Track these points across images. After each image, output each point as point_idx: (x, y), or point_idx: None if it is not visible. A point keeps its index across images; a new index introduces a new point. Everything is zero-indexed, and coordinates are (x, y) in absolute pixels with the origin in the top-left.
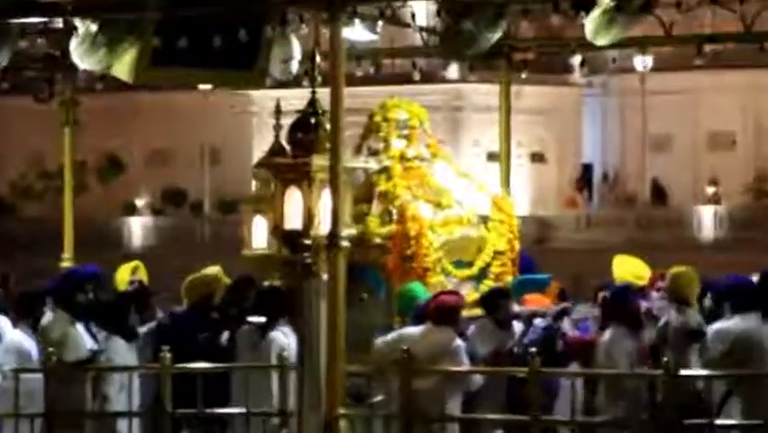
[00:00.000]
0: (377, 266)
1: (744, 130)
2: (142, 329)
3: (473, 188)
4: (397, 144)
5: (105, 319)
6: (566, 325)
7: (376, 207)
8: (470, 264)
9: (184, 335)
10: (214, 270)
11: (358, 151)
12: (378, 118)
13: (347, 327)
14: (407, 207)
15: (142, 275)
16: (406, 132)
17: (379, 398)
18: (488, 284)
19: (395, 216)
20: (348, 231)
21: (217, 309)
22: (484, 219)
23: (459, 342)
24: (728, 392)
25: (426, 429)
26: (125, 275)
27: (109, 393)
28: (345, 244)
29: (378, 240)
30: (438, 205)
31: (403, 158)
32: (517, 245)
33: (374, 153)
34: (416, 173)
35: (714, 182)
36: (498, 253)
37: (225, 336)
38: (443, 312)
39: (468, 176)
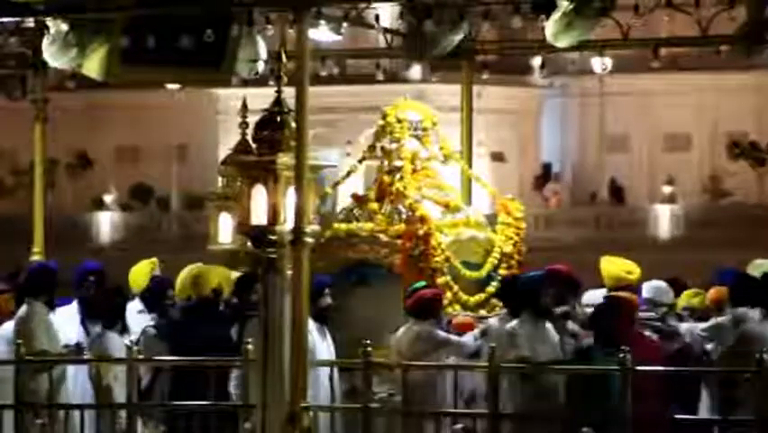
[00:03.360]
0: (389, 264)
1: (699, 131)
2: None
3: (483, 190)
4: (410, 145)
5: (98, 313)
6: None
7: (386, 206)
8: (478, 266)
9: (194, 328)
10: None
11: (371, 150)
12: (391, 119)
13: (358, 324)
14: (417, 207)
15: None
16: (418, 133)
17: (382, 393)
18: (495, 286)
19: (404, 216)
20: (312, 228)
21: (226, 303)
22: (492, 221)
23: (430, 328)
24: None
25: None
26: (145, 271)
27: (111, 383)
28: (309, 240)
29: (387, 239)
30: (447, 206)
31: (415, 159)
32: (524, 248)
33: (387, 153)
34: (427, 174)
35: (670, 182)
36: (505, 256)
37: (234, 329)
38: (422, 306)
39: (478, 179)
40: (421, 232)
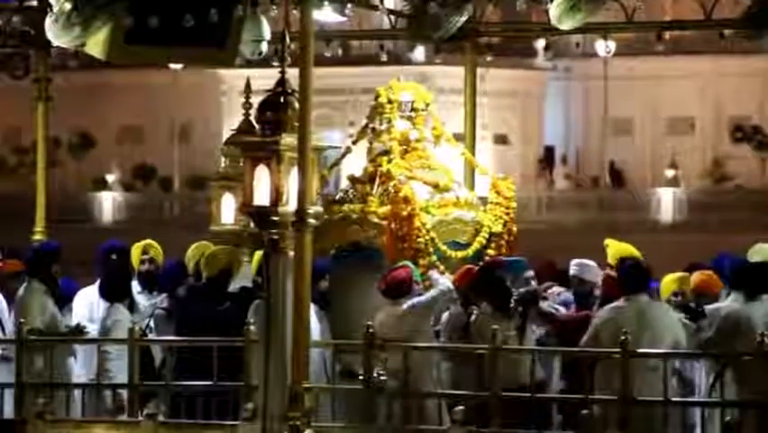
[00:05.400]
0: (378, 245)
1: (702, 115)
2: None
3: (475, 170)
4: (400, 126)
5: (107, 289)
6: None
7: (377, 188)
8: (466, 246)
9: (202, 307)
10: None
11: (364, 131)
12: (382, 99)
13: (353, 306)
14: (401, 188)
15: (154, 253)
16: (409, 113)
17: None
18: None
19: (391, 197)
20: (315, 209)
21: (254, 284)
22: (483, 201)
23: (406, 303)
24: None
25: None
26: (136, 254)
27: (109, 350)
28: (312, 221)
29: (375, 220)
30: (436, 186)
31: (405, 140)
32: (515, 228)
33: (378, 135)
34: (417, 155)
35: (673, 165)
36: (494, 236)
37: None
38: (394, 287)
39: (471, 159)
40: (404, 213)
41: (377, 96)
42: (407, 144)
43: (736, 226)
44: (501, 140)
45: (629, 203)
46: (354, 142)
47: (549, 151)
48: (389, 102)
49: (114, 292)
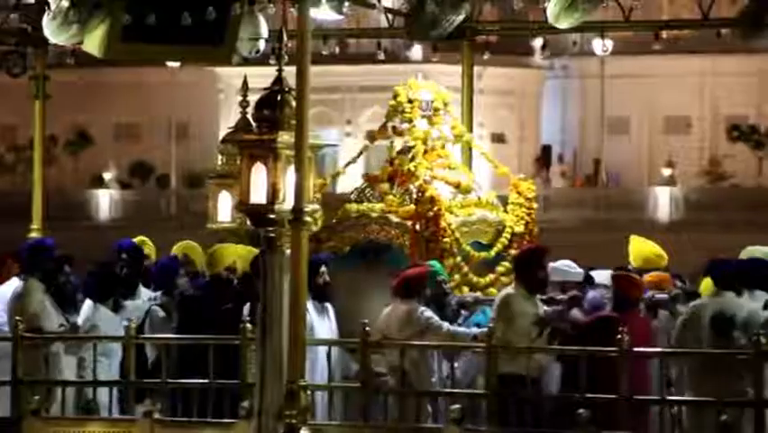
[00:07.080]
0: (399, 245)
1: (699, 114)
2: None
3: (487, 171)
4: (421, 125)
5: (93, 289)
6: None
7: (397, 187)
8: (489, 247)
9: (206, 305)
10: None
11: (383, 130)
12: (402, 99)
13: (370, 305)
14: (426, 188)
15: (147, 250)
16: (429, 113)
17: (380, 373)
18: (505, 266)
19: (414, 197)
20: (312, 207)
21: (241, 281)
22: (503, 201)
23: (421, 308)
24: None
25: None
26: None
27: (84, 357)
28: (308, 219)
29: (397, 219)
30: (458, 186)
31: (426, 139)
32: (536, 229)
33: (399, 134)
34: (439, 155)
35: (670, 165)
36: (515, 236)
37: (247, 307)
38: (406, 286)
39: (491, 159)
40: (431, 213)
41: (395, 96)
42: (427, 144)
43: (732, 225)
44: (498, 138)
45: (626, 202)
46: (372, 141)
47: (546, 149)
48: (410, 101)
49: (98, 292)
